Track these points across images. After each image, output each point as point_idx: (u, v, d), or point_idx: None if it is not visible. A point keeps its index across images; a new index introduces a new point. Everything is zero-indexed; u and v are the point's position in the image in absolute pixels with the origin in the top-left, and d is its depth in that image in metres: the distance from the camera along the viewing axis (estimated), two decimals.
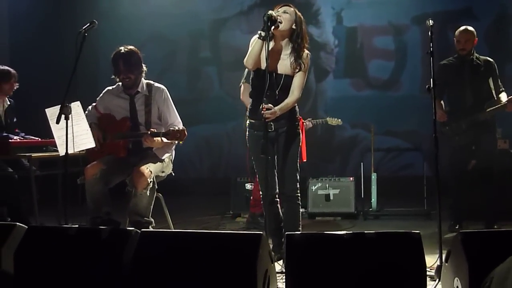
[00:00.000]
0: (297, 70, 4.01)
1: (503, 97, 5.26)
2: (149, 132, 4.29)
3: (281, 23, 3.91)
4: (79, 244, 2.96)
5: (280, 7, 4.02)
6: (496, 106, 5.21)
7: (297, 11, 4.05)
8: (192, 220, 6.38)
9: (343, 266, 2.70)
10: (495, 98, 5.31)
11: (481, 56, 5.45)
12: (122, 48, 4.48)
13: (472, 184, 5.48)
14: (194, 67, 9.12)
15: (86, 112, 4.54)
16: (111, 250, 2.89)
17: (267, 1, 8.48)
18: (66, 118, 3.79)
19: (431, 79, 3.79)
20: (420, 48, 8.19)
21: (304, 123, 5.78)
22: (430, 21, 3.96)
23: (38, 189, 5.29)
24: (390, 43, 8.58)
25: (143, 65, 4.55)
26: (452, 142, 5.42)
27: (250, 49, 3.96)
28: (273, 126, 4.01)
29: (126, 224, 4.33)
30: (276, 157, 4.13)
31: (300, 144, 4.23)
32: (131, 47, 4.51)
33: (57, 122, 3.78)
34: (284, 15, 3.96)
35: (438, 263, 3.55)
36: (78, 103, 4.13)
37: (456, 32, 5.42)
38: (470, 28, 5.37)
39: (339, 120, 6.26)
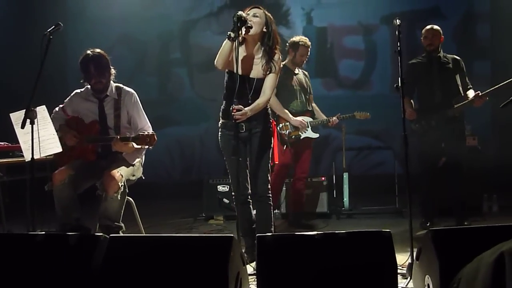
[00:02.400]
0: (268, 72, 4.01)
1: (471, 94, 5.34)
2: (118, 137, 4.23)
3: (251, 27, 3.91)
4: (46, 251, 2.91)
5: (250, 9, 4.00)
6: (464, 102, 5.29)
7: (266, 13, 4.04)
8: (164, 223, 6.32)
9: (315, 267, 2.70)
10: (463, 95, 5.38)
11: (448, 55, 5.55)
12: (89, 52, 4.41)
13: (442, 181, 5.54)
14: (164, 68, 9.05)
15: (53, 114, 4.46)
16: (80, 256, 2.84)
17: (237, 2, 8.48)
18: (32, 123, 3.71)
19: (399, 78, 3.81)
20: (390, 47, 8.27)
21: (331, 119, 5.83)
22: (397, 20, 3.98)
23: (6, 195, 5.18)
24: (360, 43, 8.64)
25: (111, 68, 4.50)
26: (422, 140, 5.48)
27: (220, 49, 3.95)
28: (244, 127, 4.01)
29: (96, 228, 4.27)
30: (248, 158, 4.13)
31: (272, 145, 4.23)
32: (99, 50, 4.45)
33: (22, 127, 3.70)
34: (255, 19, 3.95)
35: (410, 261, 3.57)
36: (43, 107, 4.05)
37: (423, 30, 5.52)
38: (436, 26, 5.50)
39: (367, 113, 6.08)
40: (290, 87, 5.61)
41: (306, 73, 5.97)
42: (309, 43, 5.75)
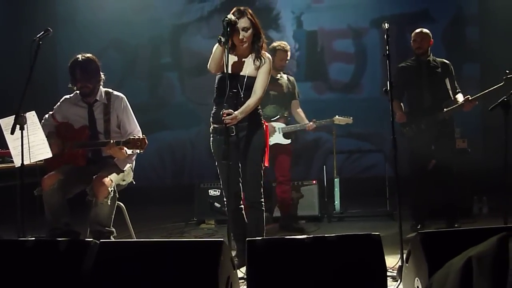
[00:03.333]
0: (259, 65, 4.01)
1: (460, 97, 5.38)
2: (112, 141, 4.22)
3: (245, 41, 3.95)
4: (36, 256, 2.90)
5: (236, 17, 3.93)
6: (454, 106, 5.33)
7: (250, 17, 3.99)
8: (156, 228, 6.31)
9: (305, 270, 2.71)
10: (452, 99, 5.42)
11: (437, 58, 5.59)
12: (79, 56, 4.42)
13: (433, 184, 5.57)
14: (155, 73, 9.04)
15: (43, 121, 4.47)
16: (70, 262, 2.83)
17: (227, 6, 8.48)
18: (21, 129, 3.71)
19: (388, 82, 3.83)
20: (379, 50, 8.29)
21: (308, 124, 5.79)
22: (386, 24, 4.01)
23: None
24: (350, 46, 8.66)
25: (101, 73, 4.49)
26: (412, 143, 5.51)
27: (212, 54, 3.97)
28: (234, 130, 4.00)
29: (87, 234, 4.26)
30: (239, 162, 4.12)
31: (265, 148, 4.19)
32: (89, 55, 4.45)
33: (12, 132, 3.70)
34: (246, 33, 3.95)
35: (400, 264, 3.58)
36: (33, 112, 4.04)
37: (412, 33, 5.55)
38: (425, 30, 5.54)
39: (350, 118, 5.97)
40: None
41: (292, 78, 5.97)
42: (288, 47, 5.77)
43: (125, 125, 4.47)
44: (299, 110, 5.95)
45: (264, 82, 4.05)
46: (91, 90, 4.42)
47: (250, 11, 4.02)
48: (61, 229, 4.12)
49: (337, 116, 5.95)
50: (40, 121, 4.17)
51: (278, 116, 5.77)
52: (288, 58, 5.80)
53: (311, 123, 5.81)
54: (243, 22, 3.95)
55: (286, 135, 5.77)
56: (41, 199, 4.19)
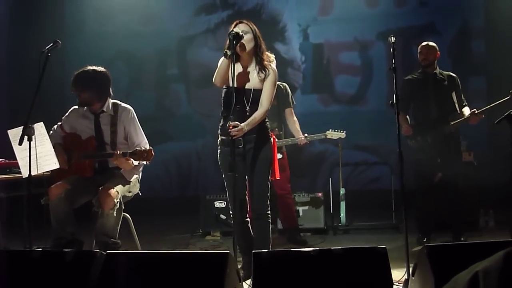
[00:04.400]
0: (264, 77, 4.02)
1: (466, 111, 5.37)
2: (119, 152, 4.24)
3: (245, 45, 3.95)
4: (43, 267, 2.91)
5: (236, 26, 4.01)
6: (460, 119, 5.33)
7: (251, 25, 4.05)
8: (161, 239, 6.32)
9: (310, 283, 2.70)
10: (459, 112, 5.42)
11: (444, 71, 5.59)
12: (88, 67, 4.45)
13: (439, 197, 5.55)
14: (161, 84, 9.08)
15: (51, 131, 4.50)
16: (76, 272, 2.85)
17: (234, 19, 8.44)
18: (29, 139, 3.74)
19: (394, 95, 3.84)
20: (385, 63, 8.29)
21: (299, 139, 5.65)
22: (392, 37, 4.03)
23: (4, 211, 5.19)
24: (356, 59, 8.68)
25: (107, 84, 4.49)
26: (418, 155, 5.50)
27: (218, 67, 4.00)
28: (241, 142, 4.01)
29: (93, 245, 4.26)
30: (246, 174, 4.12)
31: (272, 161, 4.20)
32: (94, 67, 4.46)
33: (20, 143, 3.72)
34: (246, 36, 3.97)
35: (406, 277, 3.57)
36: (41, 123, 4.07)
37: (419, 46, 5.56)
38: (431, 43, 5.55)
39: (343, 133, 5.80)
40: None
41: (284, 85, 5.81)
42: (272, 57, 5.66)
43: (132, 137, 4.48)
44: (295, 120, 5.76)
45: (270, 95, 4.07)
46: (87, 100, 4.44)
47: (250, 23, 4.08)
48: (67, 238, 4.14)
49: (329, 131, 5.80)
50: (48, 132, 4.20)
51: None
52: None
53: (302, 137, 5.67)
54: (241, 26, 4.01)
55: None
56: (48, 209, 4.21)
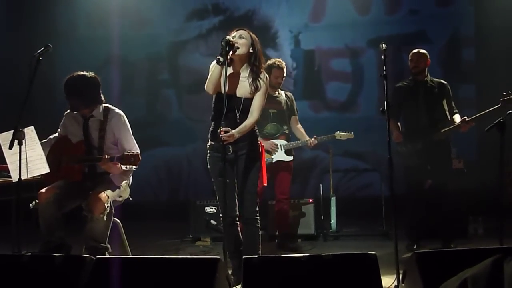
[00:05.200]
0: (255, 90, 4.05)
1: (457, 118, 5.41)
2: (107, 157, 4.23)
3: (238, 48, 3.96)
4: (32, 272, 2.90)
5: (236, 31, 4.07)
6: (451, 127, 5.36)
7: (251, 34, 4.10)
8: (151, 244, 6.30)
9: None
10: (449, 119, 5.45)
11: (435, 79, 5.63)
12: (76, 73, 4.42)
13: (428, 203, 5.57)
14: (153, 89, 9.07)
15: (46, 140, 4.49)
16: (65, 277, 2.84)
17: (225, 25, 8.56)
18: (20, 143, 3.72)
19: (385, 101, 3.86)
20: (376, 70, 8.31)
21: (309, 141, 5.78)
22: (383, 45, 4.06)
23: None
24: (347, 66, 8.71)
25: (94, 89, 4.47)
26: (408, 162, 5.52)
27: (209, 74, 4.01)
28: (231, 149, 4.02)
29: (82, 250, 4.24)
30: (235, 179, 4.13)
31: (261, 168, 4.24)
32: (83, 72, 4.43)
33: (10, 147, 3.71)
34: (241, 40, 4.01)
35: (396, 284, 3.58)
36: (32, 128, 4.06)
37: (410, 53, 5.60)
38: (422, 50, 5.58)
39: (351, 133, 5.98)
40: (264, 111, 5.55)
41: (290, 94, 5.98)
42: (283, 64, 5.76)
43: (122, 143, 4.44)
44: (299, 126, 5.97)
45: (261, 105, 4.11)
46: (74, 106, 4.42)
47: (252, 33, 4.12)
48: (55, 242, 4.11)
49: (338, 132, 5.95)
50: (39, 136, 4.18)
51: (279, 134, 5.77)
52: (284, 75, 5.82)
53: (312, 139, 5.80)
54: (241, 32, 4.06)
55: (287, 152, 5.78)
56: (37, 213, 4.19)
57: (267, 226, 6.12)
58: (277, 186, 5.83)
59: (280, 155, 5.75)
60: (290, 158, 5.81)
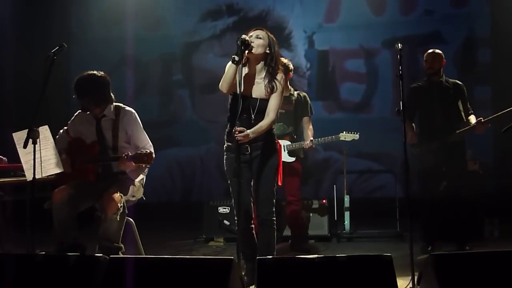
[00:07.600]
0: (271, 92, 4.03)
1: (472, 119, 5.35)
2: (124, 155, 4.22)
3: (254, 47, 3.94)
4: (46, 271, 2.90)
5: (253, 31, 4.06)
6: (466, 128, 5.30)
7: (269, 34, 4.09)
8: (164, 244, 6.30)
9: None
10: (465, 120, 5.40)
11: (450, 79, 5.56)
12: (86, 72, 4.43)
13: (443, 205, 5.52)
14: (166, 90, 9.08)
15: (58, 136, 4.49)
16: (80, 277, 2.84)
17: (239, 25, 8.56)
18: (34, 143, 3.73)
19: (401, 102, 3.83)
20: (391, 71, 8.29)
21: (305, 143, 5.66)
22: (399, 44, 4.02)
23: (7, 215, 5.18)
24: (362, 66, 8.66)
25: (105, 89, 4.47)
26: (423, 164, 5.47)
27: (225, 73, 3.99)
28: (249, 148, 4.00)
29: (96, 250, 4.25)
30: (252, 180, 4.12)
31: (278, 168, 4.19)
32: (92, 72, 4.43)
33: (25, 146, 3.72)
34: (258, 41, 3.99)
35: (411, 286, 3.54)
36: (46, 127, 4.07)
37: (425, 54, 5.54)
38: (437, 50, 5.52)
39: (357, 134, 5.75)
40: None
41: (304, 94, 5.90)
42: (290, 65, 5.67)
43: (136, 140, 4.46)
44: (310, 128, 5.84)
45: (277, 106, 4.07)
46: (85, 106, 4.44)
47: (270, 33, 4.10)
48: (69, 242, 4.12)
49: (343, 133, 5.79)
50: (53, 136, 4.19)
51: (284, 134, 5.72)
52: (291, 75, 5.77)
53: (307, 142, 5.68)
54: (258, 32, 4.04)
55: (290, 153, 5.73)
56: (51, 213, 4.20)
57: (280, 227, 6.10)
58: (287, 188, 5.80)
59: (283, 157, 5.66)
60: (292, 159, 5.72)
